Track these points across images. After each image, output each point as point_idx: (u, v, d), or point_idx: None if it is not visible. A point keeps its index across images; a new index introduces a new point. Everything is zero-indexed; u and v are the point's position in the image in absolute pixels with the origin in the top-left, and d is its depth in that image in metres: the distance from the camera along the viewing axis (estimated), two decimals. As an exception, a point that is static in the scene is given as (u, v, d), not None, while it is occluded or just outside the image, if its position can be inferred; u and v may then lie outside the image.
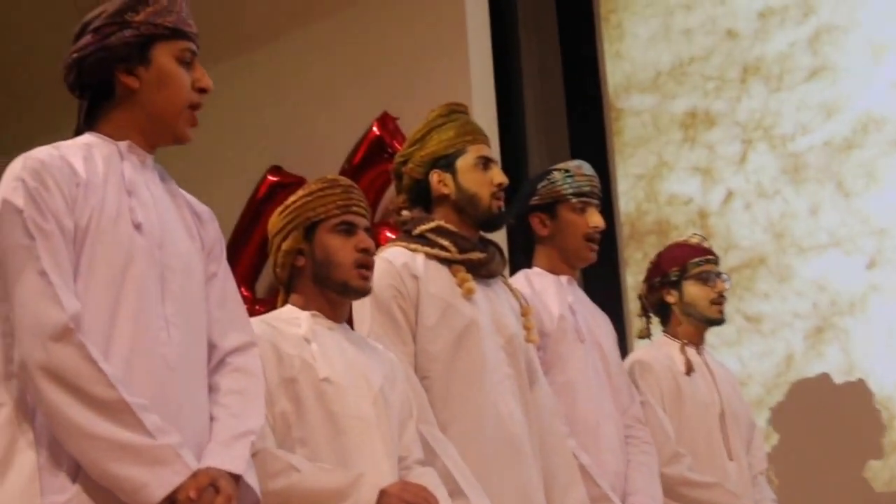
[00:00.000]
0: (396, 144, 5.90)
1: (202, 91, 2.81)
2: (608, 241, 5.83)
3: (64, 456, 2.52)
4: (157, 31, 2.76)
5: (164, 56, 2.77)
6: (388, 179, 4.83)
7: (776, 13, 6.26)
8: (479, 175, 3.71)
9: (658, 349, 4.59)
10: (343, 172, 6.04)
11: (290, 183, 6.53)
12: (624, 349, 5.08)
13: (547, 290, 4.11)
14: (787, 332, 6.02)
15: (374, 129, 6.27)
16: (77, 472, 2.51)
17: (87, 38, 2.76)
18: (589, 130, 6.65)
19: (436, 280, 3.61)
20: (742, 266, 5.98)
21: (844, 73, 6.09)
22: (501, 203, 3.73)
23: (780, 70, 6.21)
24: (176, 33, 2.78)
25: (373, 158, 6.22)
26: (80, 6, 7.72)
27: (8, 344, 2.54)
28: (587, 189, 4.17)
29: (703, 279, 4.58)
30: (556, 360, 3.99)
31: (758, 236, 6.08)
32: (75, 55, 2.77)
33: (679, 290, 4.59)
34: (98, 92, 2.81)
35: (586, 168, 4.23)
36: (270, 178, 6.71)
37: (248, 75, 6.83)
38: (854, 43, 6.08)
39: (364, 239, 3.28)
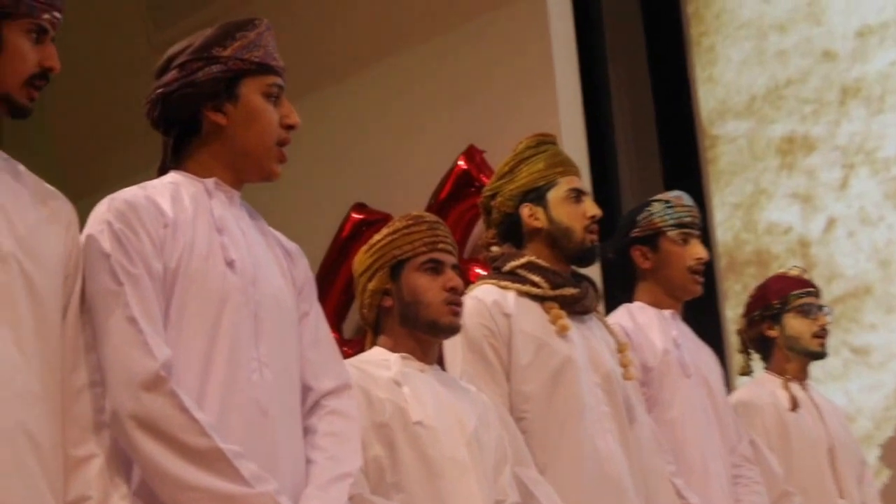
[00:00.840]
0: (484, 178, 5.92)
1: (290, 128, 2.83)
2: (706, 273, 5.80)
3: None
4: (244, 66, 2.80)
5: (251, 92, 2.81)
6: (477, 214, 4.87)
7: (875, 32, 6.21)
8: (571, 207, 3.71)
9: (761, 386, 4.59)
10: (429, 208, 6.07)
11: (375, 220, 6.59)
12: (727, 384, 5.05)
13: (650, 324, 4.12)
14: (897, 363, 5.94)
15: (461, 162, 6.30)
16: None
17: (172, 74, 2.79)
18: (682, 158, 6.64)
19: (528, 318, 3.61)
20: (847, 296, 5.92)
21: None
22: (595, 236, 3.74)
23: (882, 91, 6.15)
24: (263, 68, 2.82)
25: (460, 193, 6.23)
26: (153, 43, 7.78)
27: (97, 394, 2.57)
28: (688, 220, 4.19)
29: (805, 312, 4.58)
30: (662, 396, 3.99)
31: (862, 265, 6.02)
32: (160, 90, 2.80)
33: (780, 323, 4.58)
34: (184, 128, 2.84)
35: (686, 199, 4.25)
36: (355, 215, 6.75)
37: (331, 110, 6.89)
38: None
39: (452, 277, 3.30)
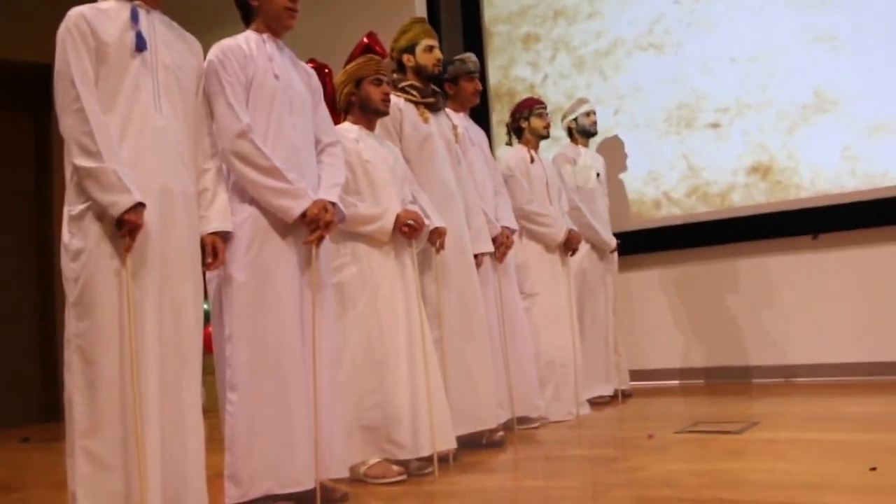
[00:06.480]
0: (378, 48, 5.75)
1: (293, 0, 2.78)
2: (484, 99, 5.84)
3: (245, 195, 2.57)
4: None
5: None
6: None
7: (572, -19, 6.10)
8: (427, 55, 3.67)
9: (517, 152, 4.63)
10: (347, 61, 5.89)
11: (320, 67, 6.33)
12: (492, 151, 5.08)
13: (453, 117, 4.00)
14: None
15: (365, 39, 6.10)
16: (252, 203, 2.57)
17: None
18: (476, 41, 6.58)
19: (409, 113, 3.59)
20: (556, 111, 5.95)
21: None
22: (439, 69, 3.71)
23: (575, 11, 6.10)
24: None
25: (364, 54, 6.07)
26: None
27: (212, 139, 2.57)
28: (473, 69, 4.13)
29: (539, 115, 4.63)
30: (465, 151, 3.94)
31: (561, 99, 6.04)
32: None
33: (528, 120, 4.64)
34: (245, 9, 2.80)
35: (474, 58, 4.18)
36: (310, 66, 6.46)
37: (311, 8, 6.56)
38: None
39: (385, 88, 3.26)
